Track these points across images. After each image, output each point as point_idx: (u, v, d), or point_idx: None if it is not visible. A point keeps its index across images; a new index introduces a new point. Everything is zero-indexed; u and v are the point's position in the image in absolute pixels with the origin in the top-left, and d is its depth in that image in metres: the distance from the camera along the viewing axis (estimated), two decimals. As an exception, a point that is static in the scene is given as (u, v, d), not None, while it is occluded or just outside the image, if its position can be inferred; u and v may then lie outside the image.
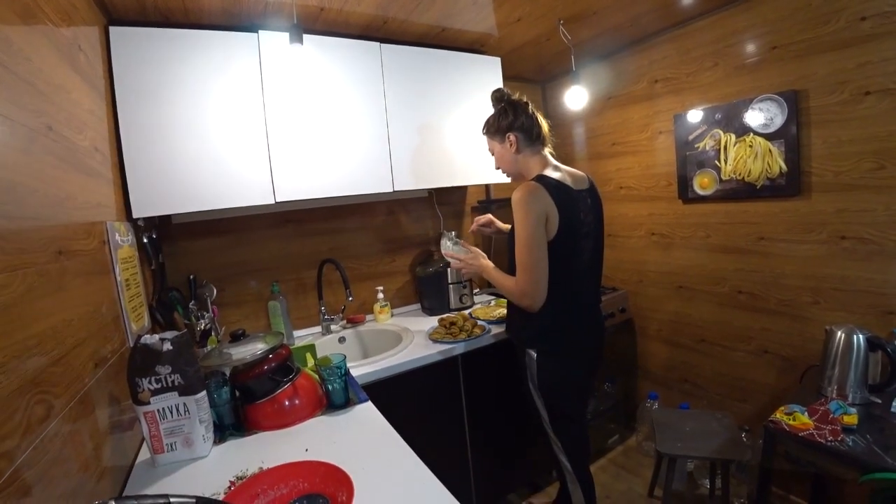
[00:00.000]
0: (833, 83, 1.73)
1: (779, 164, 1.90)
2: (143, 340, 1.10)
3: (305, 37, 1.60)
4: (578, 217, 1.52)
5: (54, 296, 0.86)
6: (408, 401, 1.73)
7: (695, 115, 2.19)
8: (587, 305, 1.66)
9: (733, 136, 2.04)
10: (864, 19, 1.62)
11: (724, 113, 2.07)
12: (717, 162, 2.13)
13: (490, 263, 1.71)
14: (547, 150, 1.63)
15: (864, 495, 1.51)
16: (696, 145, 2.21)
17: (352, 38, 1.89)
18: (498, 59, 2.31)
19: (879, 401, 1.49)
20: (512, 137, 1.59)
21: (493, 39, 2.21)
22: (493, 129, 1.65)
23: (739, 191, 2.07)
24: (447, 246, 1.82)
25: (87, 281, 1.05)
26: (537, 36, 2.18)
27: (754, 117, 1.95)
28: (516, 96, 1.64)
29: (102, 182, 1.30)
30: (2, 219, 0.71)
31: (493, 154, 1.71)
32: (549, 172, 1.54)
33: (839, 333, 1.55)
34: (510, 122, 1.59)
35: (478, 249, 1.78)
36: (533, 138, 1.59)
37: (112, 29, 1.46)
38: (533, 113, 1.60)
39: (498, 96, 1.66)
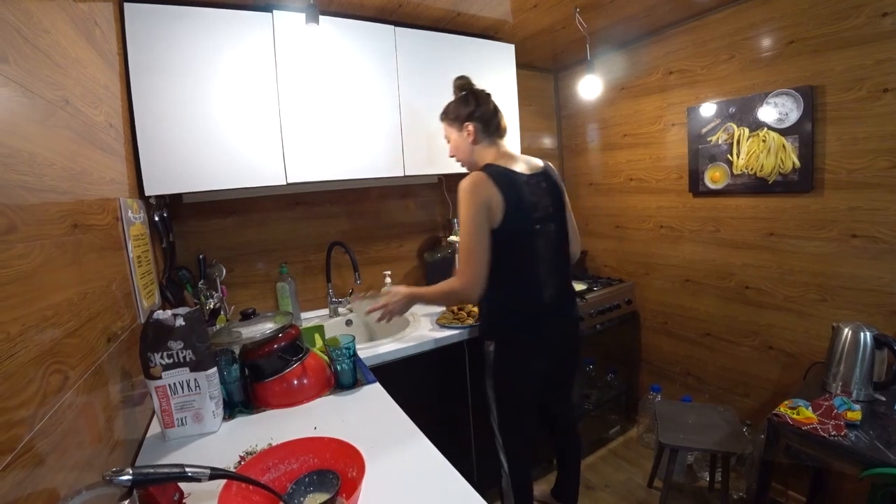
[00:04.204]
0: (851, 79, 1.71)
1: (792, 159, 1.88)
2: (155, 316, 1.11)
3: (320, 17, 1.59)
4: (527, 199, 1.50)
5: (70, 268, 0.87)
6: (414, 383, 1.74)
7: (708, 109, 2.17)
8: (551, 298, 1.57)
9: (747, 131, 2.02)
10: (885, 15, 1.60)
11: (738, 107, 2.05)
12: (729, 156, 2.11)
13: (414, 288, 1.68)
14: (503, 142, 1.63)
15: (864, 491, 1.52)
16: (708, 139, 2.19)
17: (366, 20, 1.88)
18: (511, 46, 2.29)
19: (884, 398, 1.49)
20: (470, 127, 1.58)
21: (508, 26, 2.19)
22: (452, 116, 1.63)
23: (751, 185, 2.05)
24: (364, 306, 1.76)
25: (100, 256, 1.05)
26: (552, 23, 2.16)
27: (769, 112, 1.94)
28: (480, 87, 1.64)
29: (116, 158, 1.30)
30: (22, 190, 0.72)
31: (448, 141, 1.69)
32: (499, 161, 1.54)
33: (846, 330, 1.55)
34: (471, 111, 1.58)
35: (395, 287, 1.71)
36: (491, 130, 1.59)
37: (127, 5, 1.45)
38: (494, 105, 1.60)
39: (460, 84, 1.65)
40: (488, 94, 1.62)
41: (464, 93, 1.62)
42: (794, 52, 1.85)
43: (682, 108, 2.31)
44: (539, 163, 1.63)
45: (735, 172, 2.10)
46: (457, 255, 1.61)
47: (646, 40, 2.45)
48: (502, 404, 1.61)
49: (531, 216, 1.51)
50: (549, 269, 1.57)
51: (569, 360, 1.72)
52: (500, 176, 1.48)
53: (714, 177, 2.20)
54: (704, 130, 2.20)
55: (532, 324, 1.55)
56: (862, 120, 1.70)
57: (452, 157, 1.71)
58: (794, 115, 1.86)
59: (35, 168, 0.77)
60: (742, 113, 2.03)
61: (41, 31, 0.85)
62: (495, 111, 1.60)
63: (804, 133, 1.84)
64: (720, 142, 2.14)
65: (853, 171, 1.74)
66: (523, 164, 1.57)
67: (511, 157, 1.58)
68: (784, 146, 1.90)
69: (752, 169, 2.03)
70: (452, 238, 1.79)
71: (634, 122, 2.60)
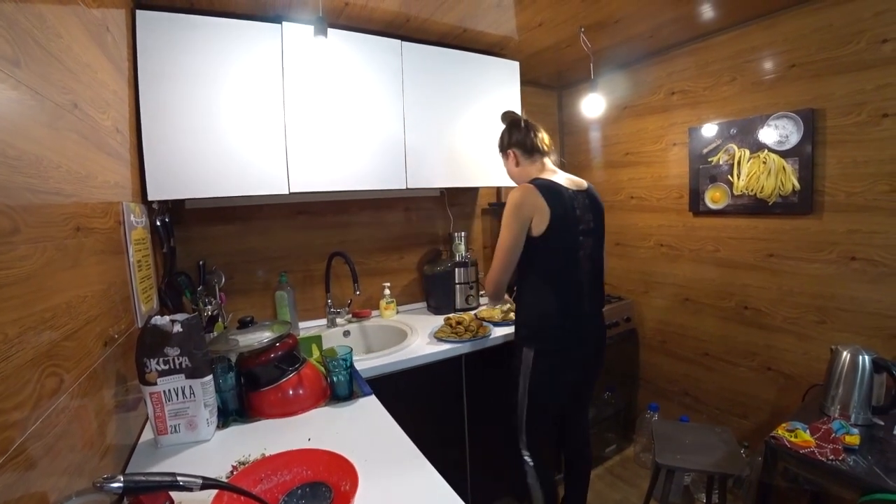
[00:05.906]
0: (851, 104, 1.73)
1: (792, 181, 1.90)
2: (153, 321, 1.11)
3: (328, 30, 1.61)
4: (573, 213, 1.60)
5: (70, 271, 0.87)
6: (410, 397, 1.73)
7: (710, 129, 2.19)
8: (590, 308, 1.70)
9: (747, 152, 2.04)
10: (885, 42, 1.62)
11: (739, 128, 2.06)
12: (729, 176, 2.13)
13: None
14: (547, 159, 1.74)
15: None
16: (709, 159, 2.20)
17: (373, 34, 1.90)
18: (516, 63, 2.31)
19: (882, 423, 1.48)
20: (511, 153, 1.76)
21: (514, 43, 2.22)
22: (499, 147, 1.83)
23: (751, 206, 2.06)
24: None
25: (101, 259, 1.05)
26: (558, 42, 2.19)
27: (769, 134, 1.95)
28: (520, 115, 1.80)
29: (121, 163, 1.31)
30: (27, 191, 0.72)
31: (506, 168, 1.85)
32: (545, 175, 1.67)
33: (845, 353, 1.54)
34: (508, 140, 1.77)
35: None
36: (531, 150, 1.72)
37: (139, 13, 1.47)
38: (527, 128, 1.73)
39: (503, 117, 1.84)
40: (522, 120, 1.76)
41: (504, 125, 1.81)
42: (795, 75, 1.88)
43: (684, 128, 2.33)
44: (581, 182, 1.74)
45: (735, 193, 2.11)
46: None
47: (649, 60, 2.48)
48: (533, 407, 1.68)
49: (576, 228, 1.61)
50: (590, 280, 1.68)
51: (596, 370, 1.83)
52: (548, 188, 1.58)
53: (714, 197, 2.21)
54: (705, 151, 2.22)
55: (572, 334, 1.64)
56: (862, 144, 1.71)
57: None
58: (794, 138, 1.88)
59: (41, 170, 0.77)
60: (743, 134, 2.05)
61: (54, 35, 0.86)
62: (528, 133, 1.72)
63: (804, 155, 1.85)
64: (721, 162, 2.16)
65: (853, 194, 1.75)
66: (566, 180, 1.67)
67: (555, 174, 1.69)
68: (784, 168, 1.91)
69: (752, 190, 2.04)
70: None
71: (637, 141, 2.62)
